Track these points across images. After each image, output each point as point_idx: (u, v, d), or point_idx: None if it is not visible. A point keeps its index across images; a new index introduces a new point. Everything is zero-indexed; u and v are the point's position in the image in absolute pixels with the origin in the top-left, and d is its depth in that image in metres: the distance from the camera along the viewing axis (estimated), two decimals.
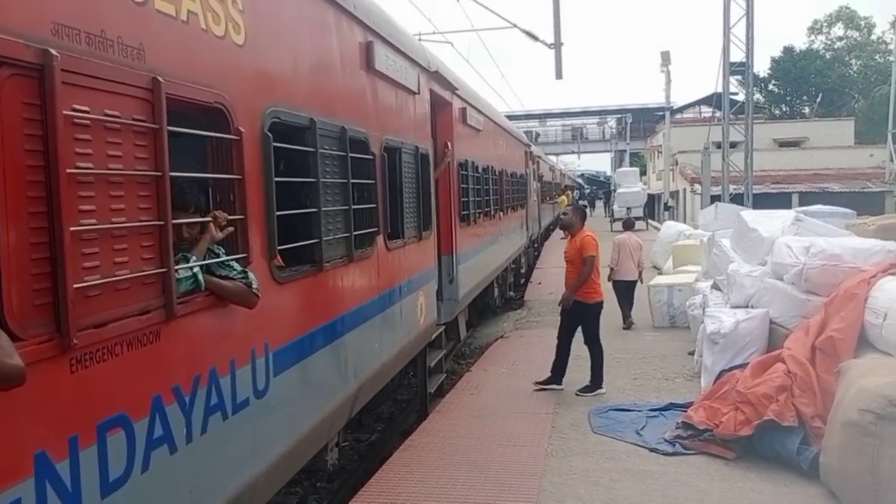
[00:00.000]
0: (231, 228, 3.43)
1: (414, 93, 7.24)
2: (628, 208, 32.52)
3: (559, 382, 8.48)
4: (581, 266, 8.23)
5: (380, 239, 6.00)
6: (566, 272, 8.63)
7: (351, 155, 5.19)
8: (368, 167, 5.70)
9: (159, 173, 2.82)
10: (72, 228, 2.36)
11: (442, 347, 9.11)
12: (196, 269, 3.18)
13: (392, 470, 6.23)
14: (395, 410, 8.98)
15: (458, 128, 9.95)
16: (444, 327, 9.08)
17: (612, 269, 11.87)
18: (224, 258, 3.41)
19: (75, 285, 2.39)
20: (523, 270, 19.80)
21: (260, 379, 3.77)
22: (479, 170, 11.66)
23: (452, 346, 11.03)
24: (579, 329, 8.51)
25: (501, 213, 14.35)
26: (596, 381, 8.34)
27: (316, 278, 4.60)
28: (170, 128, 2.87)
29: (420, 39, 11.74)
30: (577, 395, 8.22)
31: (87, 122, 2.46)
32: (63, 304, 2.34)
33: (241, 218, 3.54)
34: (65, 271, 2.32)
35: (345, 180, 5.12)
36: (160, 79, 2.80)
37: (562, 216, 8.14)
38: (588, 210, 33.59)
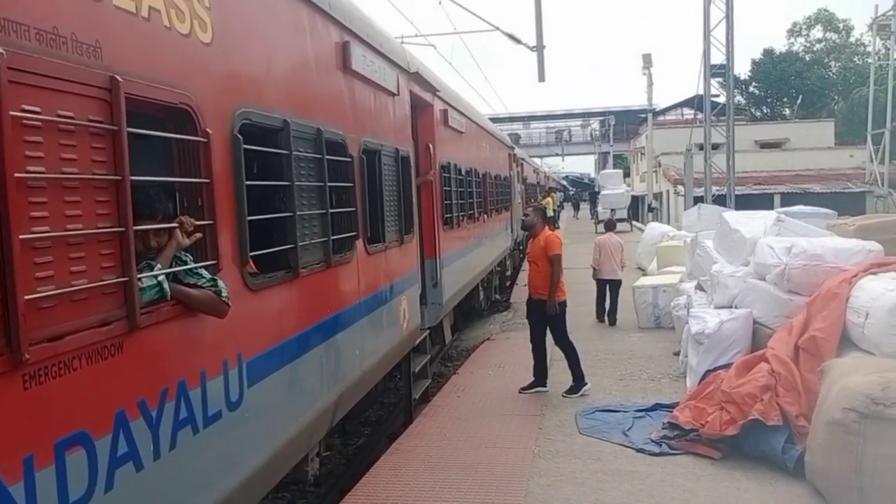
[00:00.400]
0: (199, 234, 3.30)
1: (393, 94, 7.10)
2: (612, 210, 32.61)
3: (544, 384, 8.46)
4: (546, 266, 8.22)
5: (359, 243, 5.86)
6: (530, 273, 8.65)
7: (328, 157, 5.06)
8: (346, 170, 5.55)
9: (119, 177, 2.70)
10: (21, 236, 2.24)
11: (427, 352, 8.95)
12: (161, 278, 3.04)
13: (379, 473, 6.15)
14: (382, 414, 8.91)
15: (440, 130, 9.78)
16: (428, 332, 8.93)
17: (594, 269, 12.41)
18: (192, 265, 3.27)
19: (27, 296, 2.26)
20: (509, 273, 19.71)
21: (233, 390, 3.64)
22: (462, 172, 11.50)
23: (438, 351, 10.85)
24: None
25: (486, 216, 14.21)
26: (577, 379, 8.32)
27: (292, 285, 4.47)
28: (130, 129, 2.75)
29: (402, 42, 11.67)
30: (563, 396, 8.15)
31: (38, 123, 2.34)
32: (13, 316, 2.21)
33: (210, 223, 3.41)
34: (14, 282, 2.20)
35: (321, 183, 4.97)
36: (119, 78, 2.69)
37: (523, 217, 7.99)
38: (575, 212, 33.81)
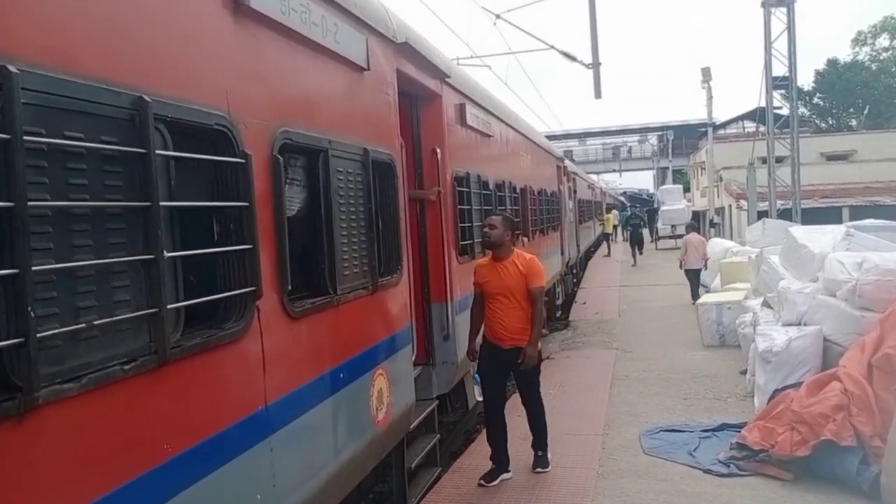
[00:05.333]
0: None
1: (360, 68, 4.73)
2: (673, 226, 32.14)
3: (507, 469, 6.45)
4: (526, 301, 6.15)
5: (263, 304, 3.34)
6: (495, 311, 6.23)
7: (162, 153, 2.71)
8: (225, 178, 3.18)
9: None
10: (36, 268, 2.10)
11: (435, 430, 6.49)
12: None
13: (441, 492, 6.22)
14: (442, 434, 8.91)
15: (454, 130, 7.38)
16: (437, 402, 6.65)
17: (681, 261, 16.84)
18: None
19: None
20: (559, 301, 17.41)
21: None
22: (490, 186, 8.91)
23: (460, 417, 8.44)
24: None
25: (526, 239, 11.62)
26: (543, 445, 6.62)
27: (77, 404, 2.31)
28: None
29: (458, 63, 11.73)
30: (482, 485, 6.27)
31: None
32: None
33: None
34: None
35: (145, 203, 2.59)
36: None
37: (485, 230, 6.24)
38: (642, 229, 31.51)
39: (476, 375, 6.70)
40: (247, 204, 3.25)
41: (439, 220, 6.86)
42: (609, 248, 35.36)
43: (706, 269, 16.43)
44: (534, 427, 6.63)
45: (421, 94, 6.65)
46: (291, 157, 3.94)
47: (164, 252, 2.66)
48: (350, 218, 4.49)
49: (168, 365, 2.69)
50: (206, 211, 3.24)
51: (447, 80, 7.09)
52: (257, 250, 3.30)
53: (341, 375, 4.29)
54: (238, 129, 3.23)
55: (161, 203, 2.67)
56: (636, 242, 28.59)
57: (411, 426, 5.73)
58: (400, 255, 5.46)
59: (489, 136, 9.17)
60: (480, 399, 6.77)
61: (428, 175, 6.82)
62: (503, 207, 9.72)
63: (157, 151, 2.66)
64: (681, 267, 16.90)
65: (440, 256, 6.85)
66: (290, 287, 3.62)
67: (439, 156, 6.84)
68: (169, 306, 2.70)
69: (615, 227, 41.56)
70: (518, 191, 11.30)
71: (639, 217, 32.37)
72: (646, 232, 34.52)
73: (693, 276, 16.57)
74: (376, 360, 4.90)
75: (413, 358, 5.84)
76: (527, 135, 12.85)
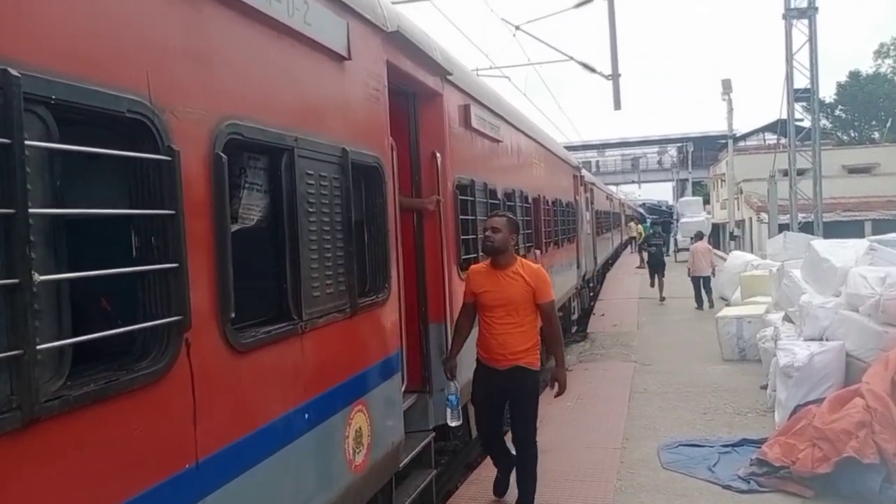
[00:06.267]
0: None
1: (339, 57, 4.14)
2: (692, 238, 31.87)
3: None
4: (529, 317, 5.39)
5: (195, 336, 2.71)
6: (492, 327, 5.40)
7: (36, 144, 2.09)
8: (144, 180, 2.58)
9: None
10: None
11: (431, 465, 5.76)
12: None
13: (473, 489, 6.18)
14: (458, 444, 8.90)
15: (457, 132, 6.78)
16: (433, 434, 5.83)
17: (689, 269, 18.07)
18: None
19: None
20: (575, 316, 16.68)
21: None
22: (498, 194, 8.24)
23: (464, 445, 7.83)
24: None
25: (538, 252, 10.88)
26: (526, 499, 5.58)
27: None
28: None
29: (478, 74, 11.70)
30: None
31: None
32: None
33: None
34: None
35: (6, 210, 2.00)
36: None
37: (487, 234, 5.47)
38: (665, 244, 27.64)
39: (451, 397, 5.68)
40: (172, 212, 2.58)
41: (438, 231, 6.17)
42: (641, 259, 31.91)
43: (714, 276, 17.84)
44: (521, 474, 5.56)
45: (419, 92, 6.04)
46: (245, 156, 3.34)
47: (35, 274, 2.01)
48: (323, 229, 3.79)
49: (40, 424, 2.02)
50: (123, 221, 2.63)
51: (449, 77, 6.43)
52: (185, 269, 2.62)
53: (306, 416, 3.56)
54: (162, 120, 2.56)
55: (32, 210, 2.02)
56: (657, 268, 21.26)
57: (400, 465, 4.97)
58: (388, 272, 4.76)
59: (498, 141, 8.53)
60: (454, 425, 5.85)
61: (427, 182, 6.14)
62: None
63: (29, 143, 2.01)
64: (689, 274, 18.10)
65: (439, 272, 6.16)
66: (233, 314, 2.92)
67: (439, 161, 6.17)
68: (41, 346, 2.03)
69: (634, 238, 41.29)
70: (530, 201, 10.56)
71: (661, 237, 24.71)
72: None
73: (701, 283, 17.69)
74: (354, 394, 4.18)
75: (404, 387, 5.22)
76: (541, 142, 12.21)
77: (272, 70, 3.46)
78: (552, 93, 26.97)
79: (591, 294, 21.24)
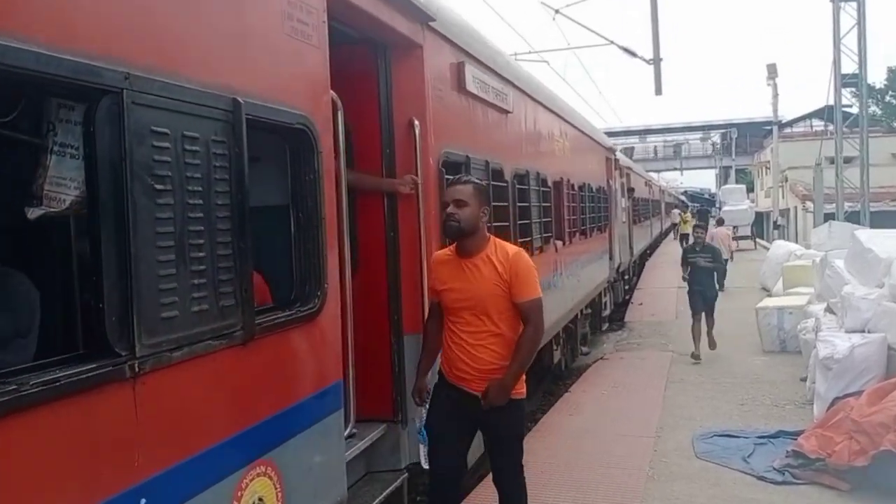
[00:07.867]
0: None
1: None
2: (735, 227, 31.35)
3: None
4: (507, 321, 3.94)
5: None
6: (461, 335, 3.97)
7: None
8: None
9: None
10: None
11: None
12: None
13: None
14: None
15: (444, 95, 5.36)
16: (406, 475, 4.68)
17: None
18: None
19: None
20: (606, 312, 15.13)
21: None
22: (505, 176, 6.70)
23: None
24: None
25: (559, 244, 9.40)
26: None
27: None
28: None
29: (516, 59, 11.52)
30: None
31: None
32: None
33: None
34: None
35: None
36: None
37: (449, 210, 3.88)
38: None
39: (425, 429, 4.17)
40: None
41: (416, 221, 4.83)
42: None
43: (731, 260, 18.66)
44: None
45: (390, 42, 4.72)
46: (54, 104, 2.28)
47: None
48: (186, 217, 2.54)
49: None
50: None
51: (432, 24, 5.00)
52: None
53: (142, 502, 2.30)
54: None
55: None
56: (704, 309, 11.63)
57: None
58: (321, 274, 3.45)
59: (505, 111, 6.94)
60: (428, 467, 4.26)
61: (402, 158, 4.84)
62: (525, 204, 7.48)
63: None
64: None
65: (416, 272, 4.82)
66: None
67: (418, 131, 4.81)
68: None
69: (676, 225, 40.24)
70: (550, 184, 8.97)
71: (711, 250, 12.44)
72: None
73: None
74: (249, 453, 2.91)
75: (350, 426, 4.03)
76: (565, 117, 10.42)
77: None
78: (592, 78, 26.49)
79: (626, 287, 19.69)
